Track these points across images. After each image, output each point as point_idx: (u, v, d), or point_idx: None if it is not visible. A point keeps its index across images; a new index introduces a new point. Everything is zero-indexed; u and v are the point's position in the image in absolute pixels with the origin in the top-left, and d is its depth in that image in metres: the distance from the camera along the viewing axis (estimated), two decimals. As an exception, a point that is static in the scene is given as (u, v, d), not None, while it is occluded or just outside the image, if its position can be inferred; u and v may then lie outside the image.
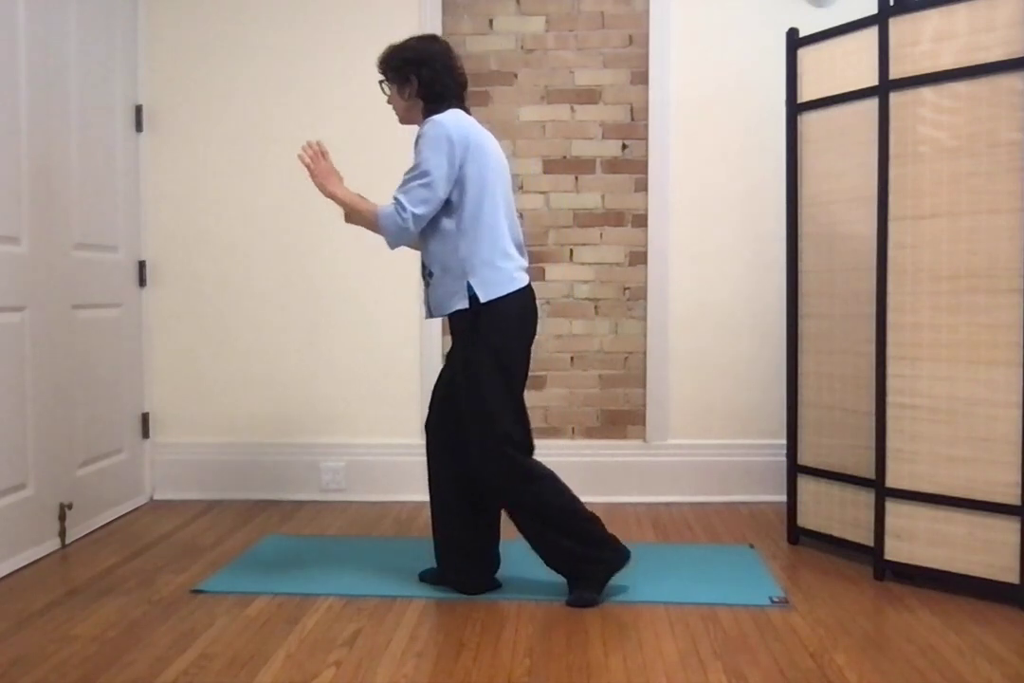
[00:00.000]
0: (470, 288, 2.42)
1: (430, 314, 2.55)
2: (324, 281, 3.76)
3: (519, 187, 3.72)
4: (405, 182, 2.41)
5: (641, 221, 3.74)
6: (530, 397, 3.78)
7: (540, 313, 3.76)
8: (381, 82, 2.58)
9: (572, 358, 3.77)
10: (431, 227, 2.47)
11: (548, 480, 2.51)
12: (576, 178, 3.74)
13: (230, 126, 3.75)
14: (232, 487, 3.78)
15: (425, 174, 2.37)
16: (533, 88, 3.74)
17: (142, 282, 3.76)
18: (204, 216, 3.77)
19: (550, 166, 3.74)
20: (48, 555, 3.03)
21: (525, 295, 2.52)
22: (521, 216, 2.88)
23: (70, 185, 3.21)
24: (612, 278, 3.75)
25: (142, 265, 3.75)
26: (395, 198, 2.42)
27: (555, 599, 2.59)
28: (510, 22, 3.72)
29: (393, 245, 2.49)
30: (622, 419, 3.78)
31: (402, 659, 2.20)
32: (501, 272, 2.45)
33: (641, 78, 3.71)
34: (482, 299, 2.42)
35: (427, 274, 2.52)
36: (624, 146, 3.73)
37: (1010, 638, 2.31)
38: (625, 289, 3.76)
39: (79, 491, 3.24)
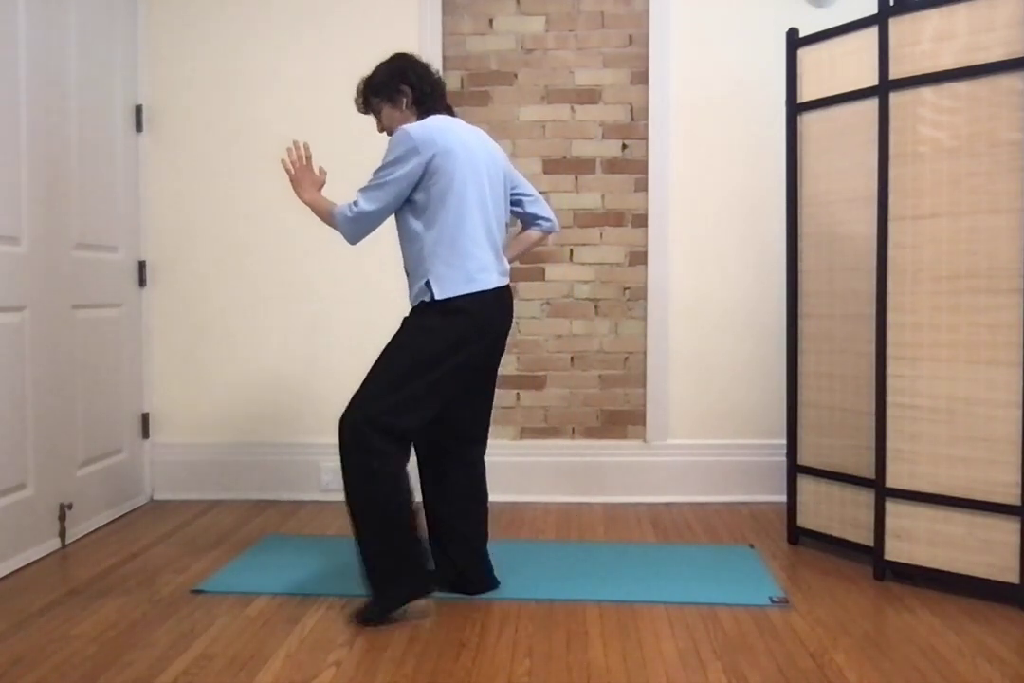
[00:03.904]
0: (428, 285, 2.44)
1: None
2: (324, 281, 3.76)
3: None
4: (368, 182, 2.48)
5: (641, 221, 3.74)
6: (530, 397, 3.78)
7: (540, 313, 3.79)
8: (371, 112, 2.61)
9: (572, 358, 3.77)
10: (403, 228, 2.52)
11: (390, 477, 2.39)
12: (576, 178, 3.74)
13: (230, 126, 3.75)
14: (232, 487, 3.78)
15: (381, 176, 2.44)
16: (533, 88, 3.74)
17: (142, 282, 3.76)
18: (204, 216, 3.78)
19: (550, 166, 3.74)
20: (48, 555, 3.03)
21: (484, 299, 2.47)
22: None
23: (70, 185, 3.21)
24: (612, 278, 3.75)
25: (142, 265, 3.75)
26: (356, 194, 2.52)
27: (555, 599, 2.59)
28: (510, 22, 3.72)
29: (348, 238, 2.54)
30: (622, 419, 3.78)
31: (402, 659, 2.20)
32: (459, 271, 2.44)
33: (641, 78, 3.71)
34: (436, 296, 2.43)
35: (406, 273, 2.57)
36: (624, 146, 3.73)
37: (1010, 638, 2.31)
38: (625, 289, 3.76)
39: (79, 491, 3.24)
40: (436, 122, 2.47)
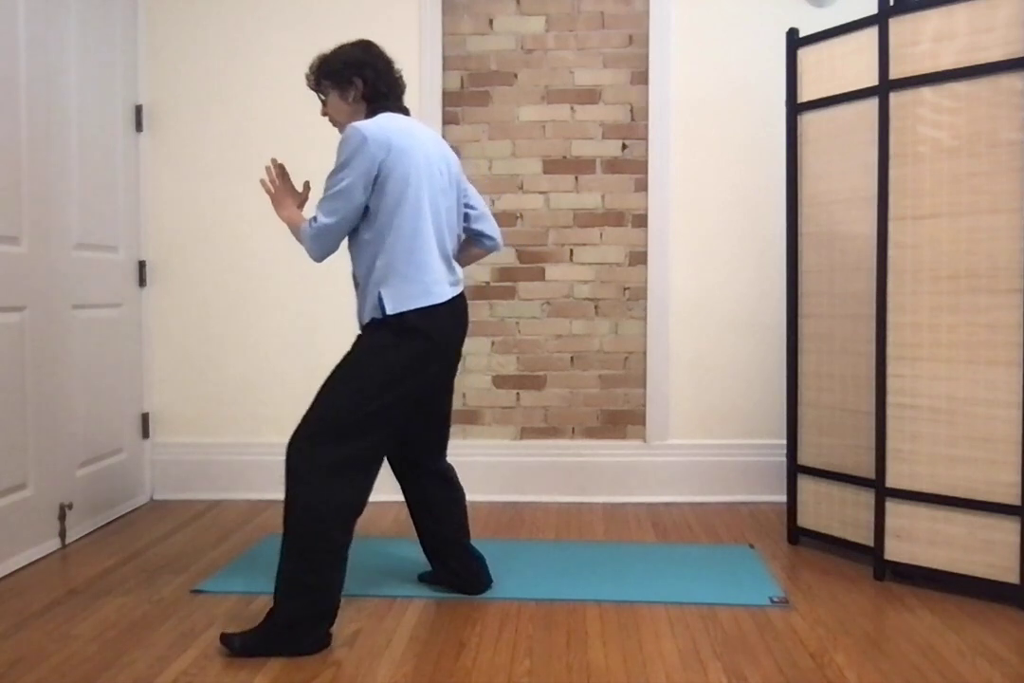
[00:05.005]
0: (380, 298, 2.30)
1: (359, 324, 2.45)
2: (323, 281, 3.76)
3: (519, 187, 3.72)
4: (324, 192, 2.34)
5: (641, 221, 3.74)
6: (530, 397, 3.78)
7: (540, 313, 3.79)
8: (319, 92, 2.47)
9: (572, 358, 3.77)
10: (354, 237, 2.39)
11: (335, 507, 2.22)
12: (576, 178, 3.74)
13: (230, 126, 3.75)
14: (232, 487, 3.78)
15: (334, 183, 2.29)
16: (533, 88, 3.74)
17: (142, 282, 3.76)
18: (204, 216, 3.78)
19: (550, 166, 3.74)
20: (48, 555, 3.03)
21: (438, 313, 2.33)
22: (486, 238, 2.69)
23: (70, 185, 3.21)
24: (612, 278, 3.75)
25: (142, 265, 3.75)
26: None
27: (555, 599, 2.59)
28: (510, 22, 3.72)
29: (313, 256, 2.39)
30: (622, 419, 3.78)
31: (402, 659, 2.20)
32: (414, 284, 2.30)
33: (641, 78, 3.71)
34: (388, 311, 2.29)
35: (355, 284, 2.43)
36: (624, 146, 3.73)
37: (1010, 638, 2.31)
38: (625, 289, 3.76)
39: (79, 491, 3.24)
40: (390, 121, 2.32)
